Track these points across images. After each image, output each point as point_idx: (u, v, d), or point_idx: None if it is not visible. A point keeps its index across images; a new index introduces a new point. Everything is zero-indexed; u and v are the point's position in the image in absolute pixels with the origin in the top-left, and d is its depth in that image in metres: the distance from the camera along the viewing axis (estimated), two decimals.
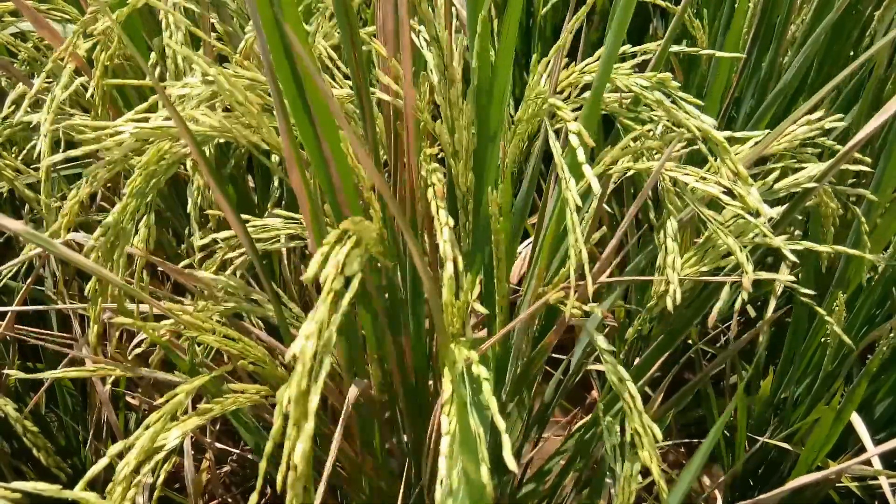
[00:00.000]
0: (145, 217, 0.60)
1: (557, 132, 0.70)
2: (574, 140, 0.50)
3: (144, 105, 0.61)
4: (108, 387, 0.88)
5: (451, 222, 0.47)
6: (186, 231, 0.94)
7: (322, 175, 0.53)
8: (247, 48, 0.62)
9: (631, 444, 0.57)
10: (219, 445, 1.02)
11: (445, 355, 0.48)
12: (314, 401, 0.36)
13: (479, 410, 0.48)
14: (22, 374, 0.69)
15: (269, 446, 0.41)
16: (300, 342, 0.37)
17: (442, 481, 0.43)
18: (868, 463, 0.82)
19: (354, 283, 0.37)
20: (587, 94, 0.62)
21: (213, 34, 0.75)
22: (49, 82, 0.80)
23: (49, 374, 0.64)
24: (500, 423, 0.43)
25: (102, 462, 0.57)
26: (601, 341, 0.55)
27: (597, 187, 0.48)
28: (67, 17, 0.89)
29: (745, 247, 0.61)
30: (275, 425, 0.37)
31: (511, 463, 0.41)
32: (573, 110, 0.58)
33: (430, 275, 0.44)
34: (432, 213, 0.50)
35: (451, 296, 0.47)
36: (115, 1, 0.68)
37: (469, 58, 0.58)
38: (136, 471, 0.58)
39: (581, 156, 0.49)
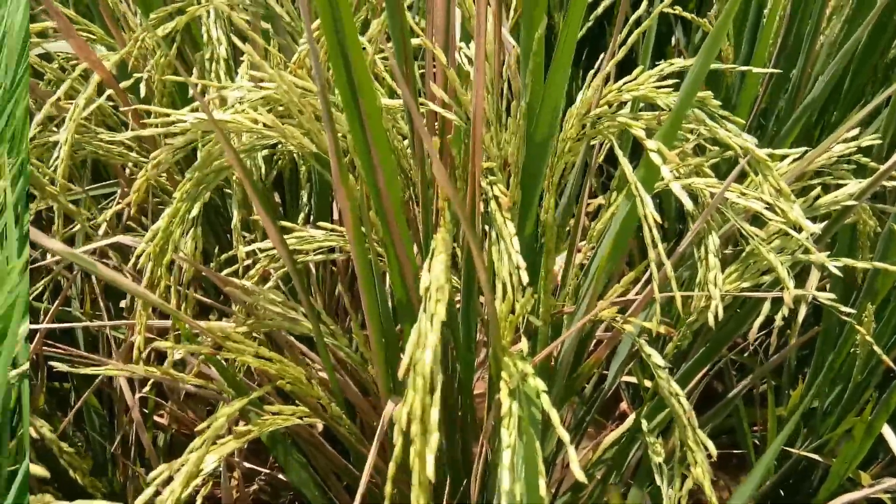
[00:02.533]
0: (192, 230, 0.60)
1: (594, 147, 0.71)
2: (656, 158, 0.51)
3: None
4: (137, 395, 0.88)
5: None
6: (216, 249, 0.94)
7: (371, 182, 0.54)
8: (300, 60, 0.63)
9: (681, 460, 0.57)
10: (247, 465, 1.02)
11: (501, 368, 0.48)
12: (435, 415, 0.36)
13: (532, 423, 0.48)
14: (66, 368, 0.69)
15: (391, 469, 0.40)
16: (419, 353, 0.37)
17: (504, 494, 0.43)
18: None
19: (445, 294, 0.37)
20: (624, 111, 0.62)
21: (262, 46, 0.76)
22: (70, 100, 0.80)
23: (97, 371, 0.64)
24: (565, 436, 0.43)
25: (149, 491, 0.57)
26: (656, 357, 0.55)
27: (689, 205, 0.48)
28: (93, 36, 0.90)
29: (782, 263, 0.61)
30: (396, 447, 0.36)
31: (580, 475, 0.41)
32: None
33: (491, 286, 0.44)
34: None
35: (509, 308, 0.47)
36: (162, 16, 0.69)
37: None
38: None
39: (667, 173, 0.50)
